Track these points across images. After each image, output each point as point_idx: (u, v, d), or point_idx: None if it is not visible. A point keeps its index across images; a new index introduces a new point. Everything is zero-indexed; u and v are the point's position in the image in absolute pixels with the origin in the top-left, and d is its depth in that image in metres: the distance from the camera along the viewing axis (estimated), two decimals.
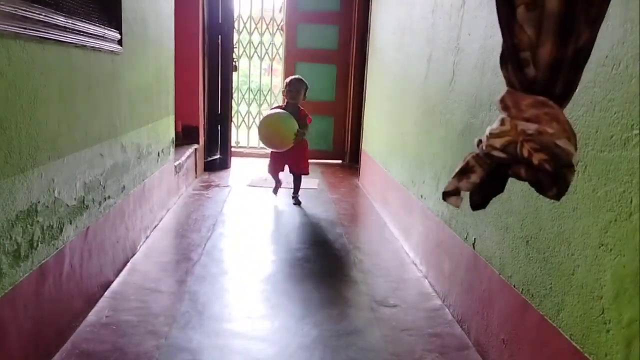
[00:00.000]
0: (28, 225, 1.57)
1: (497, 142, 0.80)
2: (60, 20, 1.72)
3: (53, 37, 1.67)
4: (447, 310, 2.27)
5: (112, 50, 2.26)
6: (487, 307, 1.90)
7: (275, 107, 4.10)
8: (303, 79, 3.99)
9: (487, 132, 0.83)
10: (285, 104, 4.01)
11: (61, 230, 1.81)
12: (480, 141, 0.86)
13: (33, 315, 1.61)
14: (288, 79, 4.01)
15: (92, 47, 2.02)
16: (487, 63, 1.99)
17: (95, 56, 2.09)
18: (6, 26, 1.38)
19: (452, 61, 2.41)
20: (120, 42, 2.34)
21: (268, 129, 3.80)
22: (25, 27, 1.48)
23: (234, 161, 5.51)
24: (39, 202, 1.63)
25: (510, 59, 0.79)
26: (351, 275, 2.67)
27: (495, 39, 1.88)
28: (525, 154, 0.77)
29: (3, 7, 1.35)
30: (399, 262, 2.89)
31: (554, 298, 1.48)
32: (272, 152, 4.03)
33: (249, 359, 1.85)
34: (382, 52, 4.24)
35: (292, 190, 4.12)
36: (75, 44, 1.86)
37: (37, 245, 1.63)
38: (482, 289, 1.95)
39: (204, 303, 2.25)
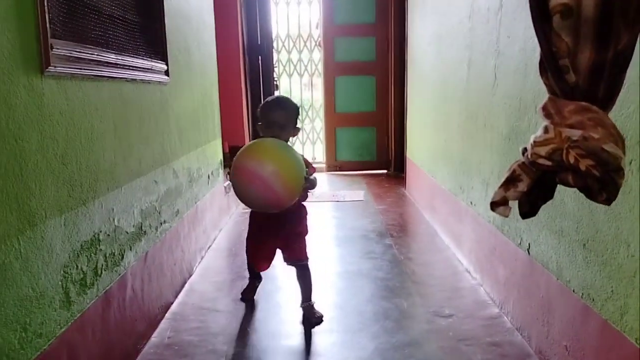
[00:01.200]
0: (92, 254, 1.65)
1: (542, 150, 0.80)
2: (112, 57, 1.82)
3: (106, 74, 1.77)
4: (505, 318, 2.23)
5: (159, 81, 2.36)
6: (547, 313, 1.85)
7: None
8: (289, 99, 2.40)
9: (532, 140, 0.83)
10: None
11: (122, 257, 1.89)
12: (525, 149, 0.86)
13: (101, 339, 1.70)
14: (265, 103, 2.31)
15: (141, 79, 2.12)
16: (529, 65, 1.96)
17: (145, 88, 2.19)
18: (63, 68, 1.47)
19: (493, 65, 2.38)
20: (167, 73, 2.45)
21: (269, 163, 1.96)
22: (80, 67, 1.58)
23: None
24: (100, 231, 1.72)
25: (550, 66, 0.79)
26: (404, 286, 2.66)
27: (535, 40, 1.86)
28: (572, 160, 0.77)
29: (59, 50, 1.44)
30: (452, 270, 2.86)
31: (616, 301, 1.43)
32: (254, 219, 2.38)
33: None
34: (421, 60, 4.23)
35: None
36: (126, 78, 1.96)
37: (101, 272, 1.72)
38: (540, 295, 1.91)
39: (260, 320, 2.30)
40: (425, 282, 2.70)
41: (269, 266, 2.41)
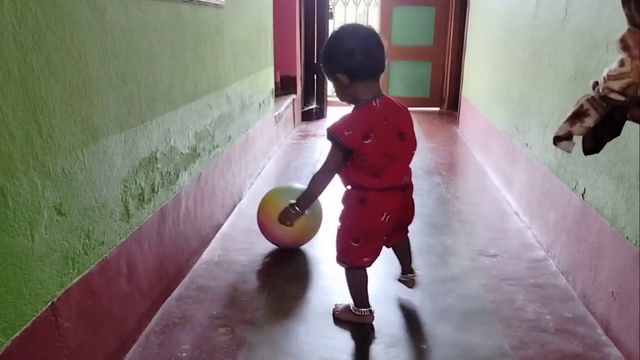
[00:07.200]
0: (149, 172, 1.72)
1: (616, 85, 0.76)
2: None
3: None
4: (551, 261, 2.21)
5: (216, 4, 2.34)
6: (595, 259, 1.82)
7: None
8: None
9: (605, 73, 0.79)
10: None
11: (177, 176, 1.96)
12: (596, 84, 0.82)
13: (156, 252, 1.80)
14: (359, 37, 1.67)
15: (198, 1, 2.11)
16: None
17: (202, 10, 2.18)
18: None
19: None
20: None
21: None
22: None
23: (330, 111, 5.55)
24: (157, 150, 1.78)
25: None
26: (449, 224, 2.66)
27: None
28: None
29: None
30: (500, 212, 2.82)
31: None
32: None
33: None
34: None
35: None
36: None
37: (158, 189, 1.79)
38: (590, 240, 1.87)
39: (304, 246, 2.37)
40: (472, 222, 2.69)
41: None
